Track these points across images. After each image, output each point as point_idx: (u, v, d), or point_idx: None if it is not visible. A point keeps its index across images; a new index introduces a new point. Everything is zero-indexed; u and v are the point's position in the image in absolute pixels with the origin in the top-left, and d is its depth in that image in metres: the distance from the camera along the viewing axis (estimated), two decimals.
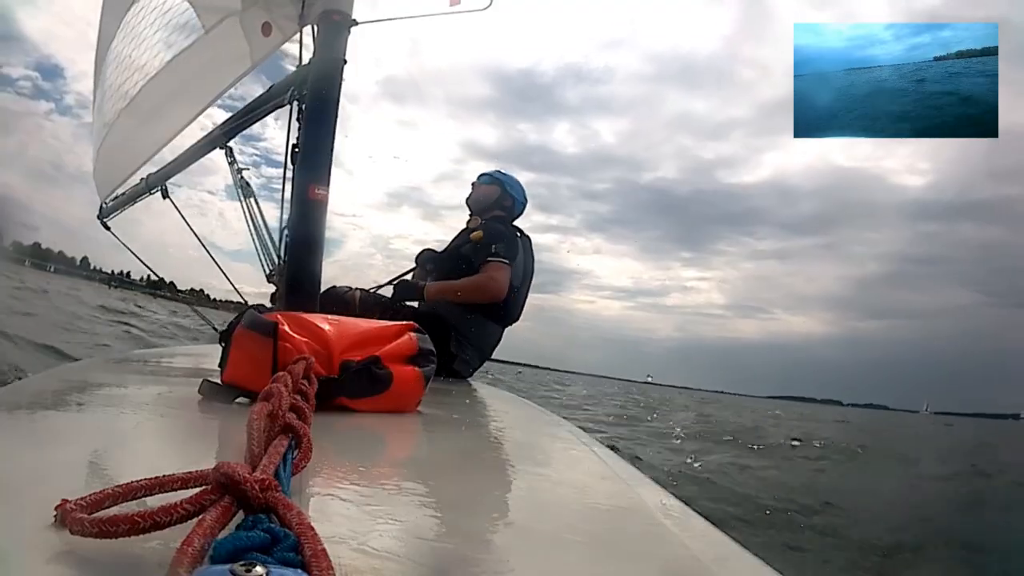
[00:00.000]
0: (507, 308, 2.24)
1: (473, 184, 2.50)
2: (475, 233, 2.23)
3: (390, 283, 2.31)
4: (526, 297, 2.33)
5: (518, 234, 2.38)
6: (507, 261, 2.13)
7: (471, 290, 2.11)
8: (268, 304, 1.46)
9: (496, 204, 2.42)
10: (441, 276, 2.25)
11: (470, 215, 2.45)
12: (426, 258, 2.40)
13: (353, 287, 2.22)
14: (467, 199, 2.48)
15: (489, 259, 2.13)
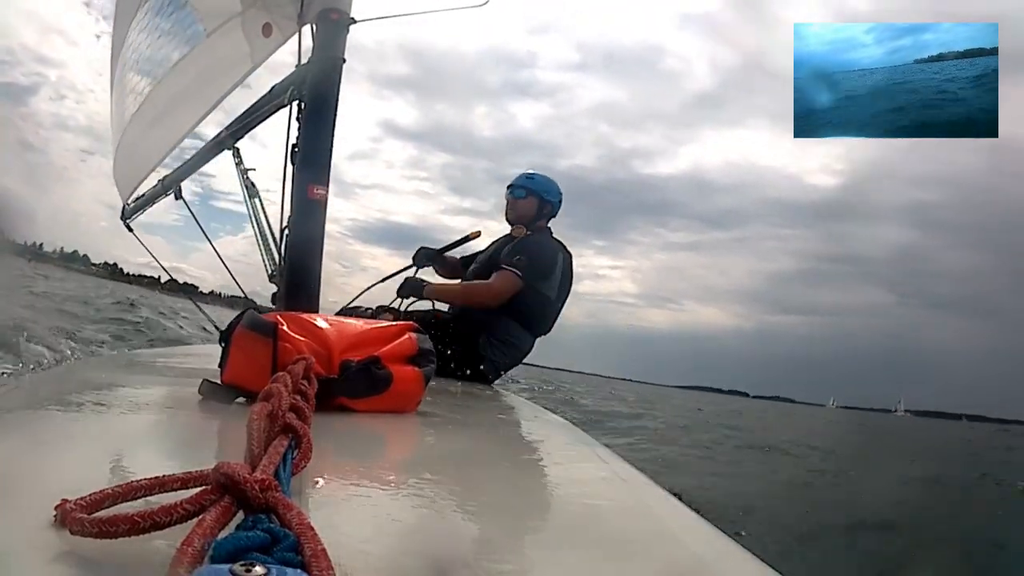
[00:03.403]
0: (542, 319, 2.24)
1: (508, 199, 2.40)
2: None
3: (390, 277, 2.31)
4: (560, 311, 2.31)
5: (560, 250, 2.32)
6: (519, 272, 2.11)
7: (469, 294, 2.11)
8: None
9: (537, 216, 2.35)
10: (475, 279, 2.26)
11: (512, 227, 2.38)
12: (422, 255, 2.37)
13: (375, 308, 2.18)
14: (506, 215, 2.39)
15: (503, 266, 2.12)
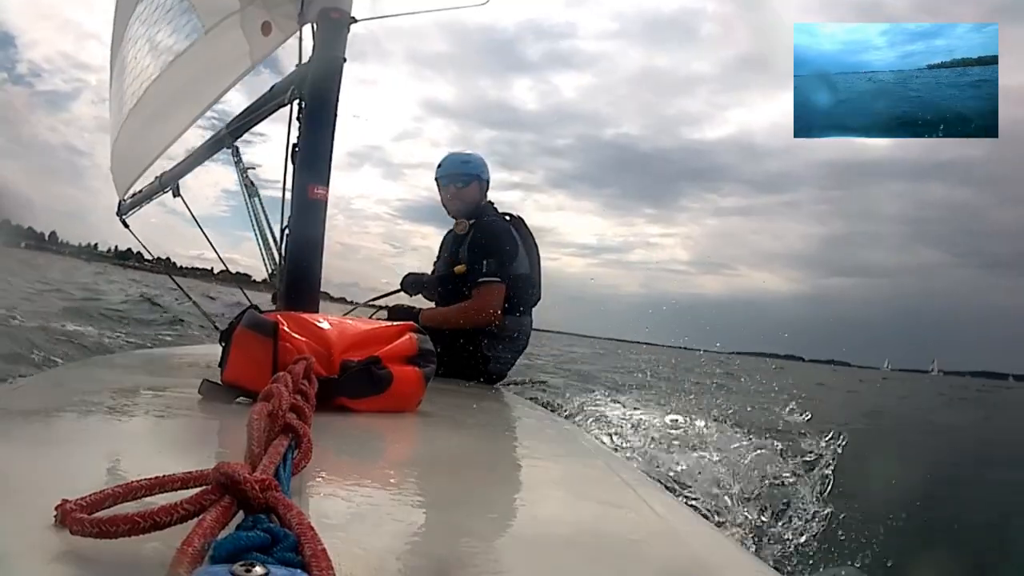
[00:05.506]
0: (529, 296, 2.20)
1: (447, 188, 2.23)
2: (458, 267, 2.12)
3: (384, 295, 2.30)
4: (540, 275, 2.27)
5: (508, 221, 2.23)
6: (498, 279, 2.06)
7: (466, 319, 2.08)
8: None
9: (481, 198, 2.25)
10: (443, 300, 2.22)
11: (455, 222, 2.24)
12: (410, 282, 2.31)
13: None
14: (447, 208, 2.27)
15: (480, 280, 2.07)
